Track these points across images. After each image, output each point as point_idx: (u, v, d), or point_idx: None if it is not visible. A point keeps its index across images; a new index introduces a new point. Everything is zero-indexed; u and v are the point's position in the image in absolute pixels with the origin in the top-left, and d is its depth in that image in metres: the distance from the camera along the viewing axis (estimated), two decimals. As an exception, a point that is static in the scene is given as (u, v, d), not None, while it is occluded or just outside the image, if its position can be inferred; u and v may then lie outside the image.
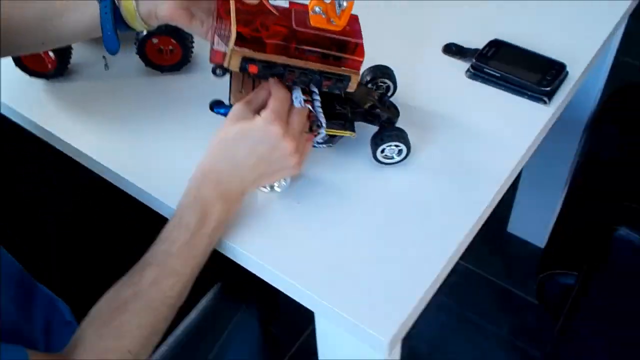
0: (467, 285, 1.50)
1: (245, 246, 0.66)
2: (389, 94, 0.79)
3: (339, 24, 0.64)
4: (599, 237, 0.83)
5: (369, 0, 0.96)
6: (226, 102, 0.70)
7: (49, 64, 0.83)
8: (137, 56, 0.83)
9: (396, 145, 0.72)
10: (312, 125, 0.69)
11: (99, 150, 0.77)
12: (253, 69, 0.65)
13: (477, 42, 0.87)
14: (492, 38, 0.86)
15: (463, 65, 0.85)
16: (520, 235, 1.55)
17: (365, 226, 0.68)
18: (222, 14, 0.67)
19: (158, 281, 0.60)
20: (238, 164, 0.64)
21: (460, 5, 0.96)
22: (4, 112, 0.86)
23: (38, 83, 0.85)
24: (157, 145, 0.77)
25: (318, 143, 0.71)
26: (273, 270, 0.64)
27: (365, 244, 0.66)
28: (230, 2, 0.65)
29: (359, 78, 0.67)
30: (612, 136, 1.14)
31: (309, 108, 0.68)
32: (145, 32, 0.79)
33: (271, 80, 0.67)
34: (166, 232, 0.62)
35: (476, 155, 0.75)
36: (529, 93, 0.80)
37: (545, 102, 0.79)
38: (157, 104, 0.82)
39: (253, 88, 0.70)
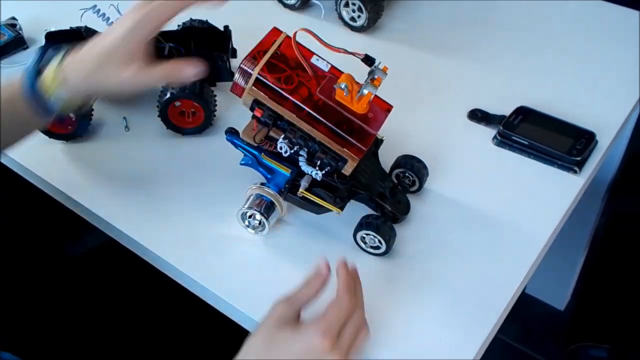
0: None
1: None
2: (413, 189, 0.75)
3: (356, 108, 0.64)
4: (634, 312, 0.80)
5: (393, 61, 0.96)
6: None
7: (69, 126, 0.82)
8: (159, 119, 0.82)
9: (374, 236, 0.67)
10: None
11: (113, 212, 0.76)
12: (258, 112, 0.65)
13: (503, 108, 0.85)
14: (518, 105, 0.85)
15: (489, 132, 0.84)
16: (538, 297, 1.51)
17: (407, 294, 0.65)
18: (260, 51, 0.65)
19: None
20: None
21: (485, 70, 0.94)
22: (20, 172, 0.84)
23: (56, 143, 0.84)
24: (172, 209, 0.76)
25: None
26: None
27: (407, 313, 0.64)
28: (274, 44, 0.65)
29: (355, 165, 0.65)
30: (637, 197, 1.12)
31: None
32: (168, 95, 0.78)
33: (343, 279, 0.59)
34: None
35: (508, 226, 0.73)
36: (559, 162, 0.78)
37: (575, 172, 0.77)
38: (176, 167, 0.81)
39: (267, 135, 0.69)
